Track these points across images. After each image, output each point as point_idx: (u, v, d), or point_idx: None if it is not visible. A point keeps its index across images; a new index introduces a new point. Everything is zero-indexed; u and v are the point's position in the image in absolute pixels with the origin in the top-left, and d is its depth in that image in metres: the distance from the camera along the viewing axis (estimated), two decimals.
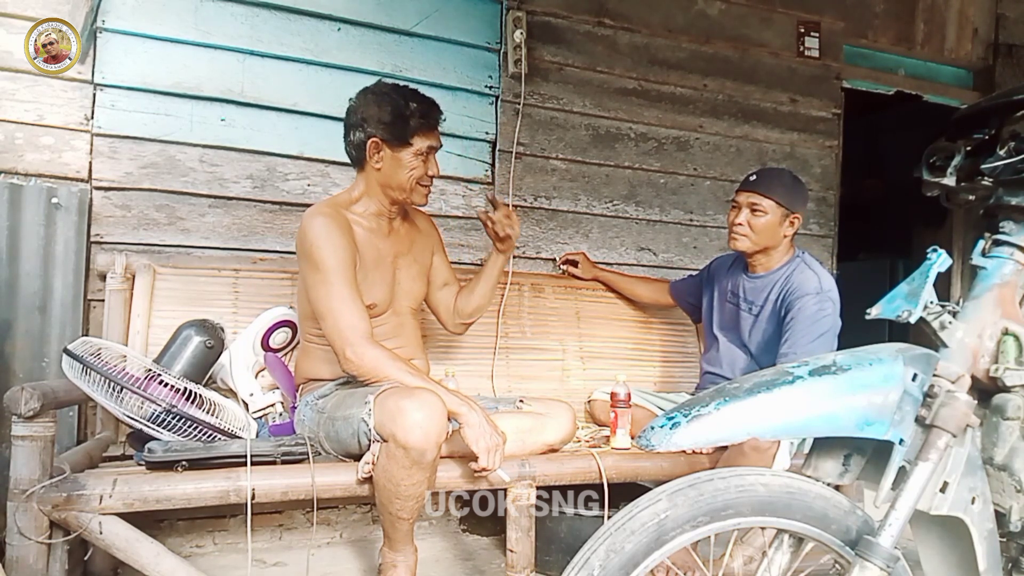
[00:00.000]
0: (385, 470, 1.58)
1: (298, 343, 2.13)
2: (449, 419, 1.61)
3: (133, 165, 2.22)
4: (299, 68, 2.41)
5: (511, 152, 2.68)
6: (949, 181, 1.16)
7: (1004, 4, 3.62)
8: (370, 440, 1.63)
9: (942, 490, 0.99)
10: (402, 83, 1.91)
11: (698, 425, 0.94)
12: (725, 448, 1.91)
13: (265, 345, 2.06)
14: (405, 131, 1.80)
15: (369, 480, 1.65)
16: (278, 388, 2.03)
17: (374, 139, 1.81)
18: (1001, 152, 1.09)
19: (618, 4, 2.86)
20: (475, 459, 1.65)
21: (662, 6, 2.95)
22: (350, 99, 1.88)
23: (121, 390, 1.63)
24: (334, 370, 1.83)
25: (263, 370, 2.04)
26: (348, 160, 1.90)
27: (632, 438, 2.00)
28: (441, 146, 1.90)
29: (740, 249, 2.21)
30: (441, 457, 1.76)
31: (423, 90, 1.90)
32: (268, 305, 2.13)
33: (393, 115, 1.79)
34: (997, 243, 1.11)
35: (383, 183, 1.86)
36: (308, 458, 1.67)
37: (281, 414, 1.98)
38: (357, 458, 1.69)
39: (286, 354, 2.15)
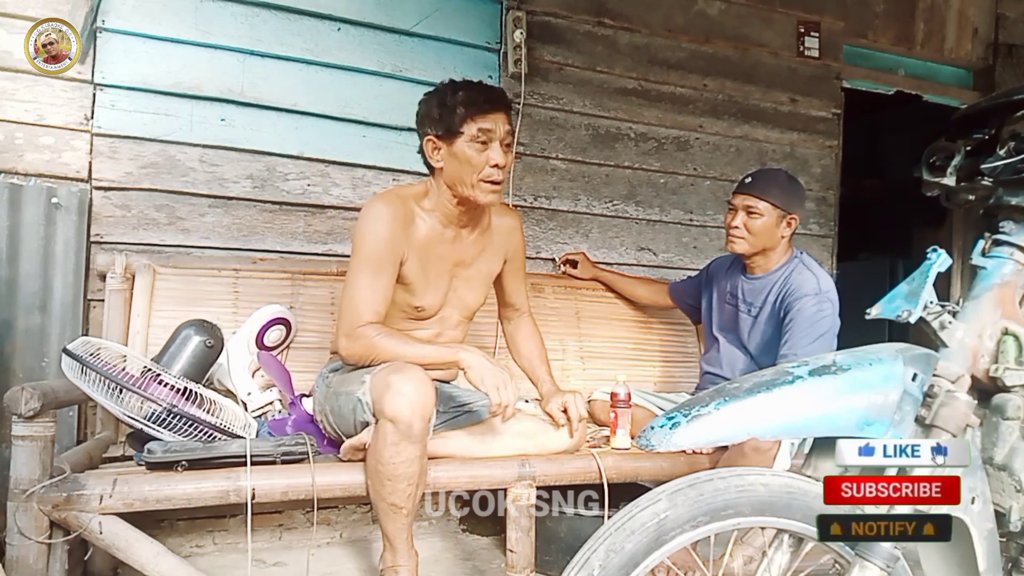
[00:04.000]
0: (375, 452, 1.58)
1: (292, 340, 2.13)
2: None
3: (133, 165, 2.22)
4: (299, 68, 2.40)
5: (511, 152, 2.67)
6: (949, 181, 1.16)
7: (1004, 4, 3.62)
8: (366, 420, 1.64)
9: None
10: (463, 79, 1.81)
11: (698, 425, 0.94)
12: (725, 448, 1.91)
13: (260, 343, 2.06)
14: (452, 120, 1.73)
15: (350, 459, 1.67)
16: (275, 387, 2.03)
17: (429, 137, 1.78)
18: (1001, 152, 1.09)
19: (618, 4, 2.86)
20: (475, 460, 1.64)
21: (662, 6, 2.95)
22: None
23: (121, 390, 1.63)
24: None
25: (259, 369, 2.04)
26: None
27: (632, 438, 1.99)
28: (498, 130, 1.74)
29: (738, 252, 2.20)
30: (441, 457, 1.76)
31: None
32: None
33: (439, 108, 1.74)
34: (997, 243, 1.12)
35: (448, 182, 1.79)
36: (308, 458, 1.67)
37: (280, 412, 1.98)
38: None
39: (281, 351, 2.14)
